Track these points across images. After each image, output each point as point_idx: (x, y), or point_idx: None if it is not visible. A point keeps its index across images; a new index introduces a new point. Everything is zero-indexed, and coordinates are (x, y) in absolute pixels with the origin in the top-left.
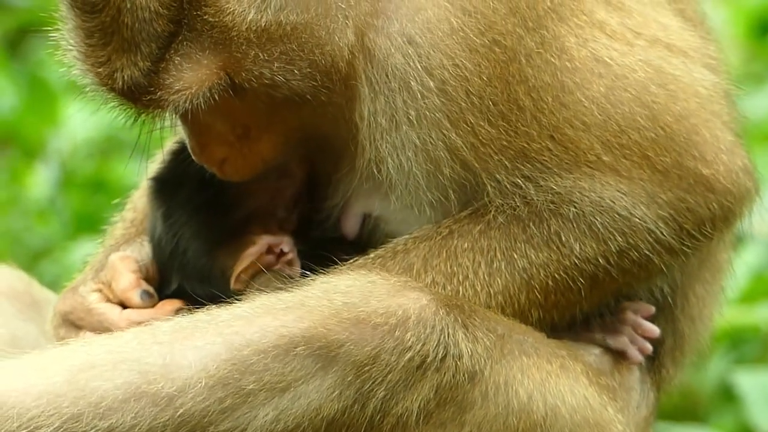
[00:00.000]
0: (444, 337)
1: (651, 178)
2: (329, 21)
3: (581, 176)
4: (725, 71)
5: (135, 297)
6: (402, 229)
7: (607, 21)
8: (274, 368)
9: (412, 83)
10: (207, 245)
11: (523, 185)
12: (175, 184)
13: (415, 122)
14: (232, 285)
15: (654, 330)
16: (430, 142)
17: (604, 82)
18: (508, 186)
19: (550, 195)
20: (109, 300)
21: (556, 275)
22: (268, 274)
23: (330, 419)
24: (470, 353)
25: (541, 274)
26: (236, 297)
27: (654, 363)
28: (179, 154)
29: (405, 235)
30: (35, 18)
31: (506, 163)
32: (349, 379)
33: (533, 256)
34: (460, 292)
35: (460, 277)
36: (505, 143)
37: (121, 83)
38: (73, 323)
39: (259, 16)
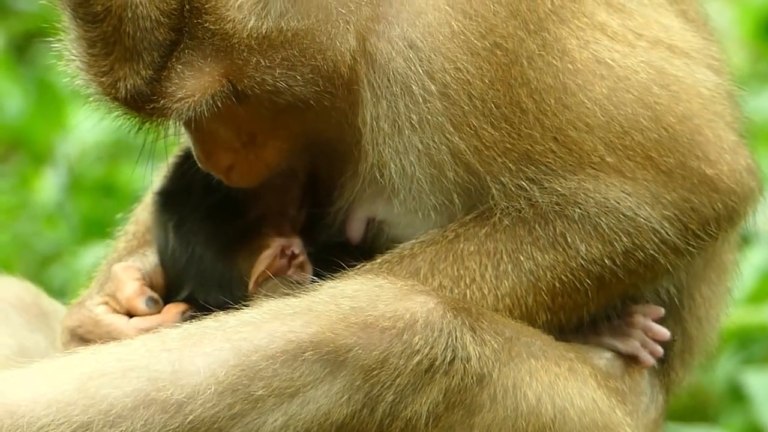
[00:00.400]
0: (452, 340)
1: (655, 178)
2: (330, 26)
3: (585, 177)
4: (728, 72)
5: (140, 304)
6: (407, 233)
7: (609, 23)
8: (283, 374)
9: (413, 87)
10: (223, 250)
11: (527, 187)
12: (183, 194)
13: (417, 126)
14: (251, 288)
15: (664, 333)
16: (433, 146)
17: (606, 84)
18: (512, 188)
19: (555, 197)
20: (115, 311)
21: (563, 277)
22: (276, 279)
23: (339, 424)
24: (478, 356)
25: (548, 276)
26: (244, 302)
27: (663, 365)
28: (182, 165)
29: (411, 240)
30: (42, 23)
31: (510, 165)
32: (357, 383)
33: (539, 258)
34: (468, 296)
35: (467, 281)
36: (508, 146)
37: (124, 92)
38: (82, 337)
39: (260, 23)
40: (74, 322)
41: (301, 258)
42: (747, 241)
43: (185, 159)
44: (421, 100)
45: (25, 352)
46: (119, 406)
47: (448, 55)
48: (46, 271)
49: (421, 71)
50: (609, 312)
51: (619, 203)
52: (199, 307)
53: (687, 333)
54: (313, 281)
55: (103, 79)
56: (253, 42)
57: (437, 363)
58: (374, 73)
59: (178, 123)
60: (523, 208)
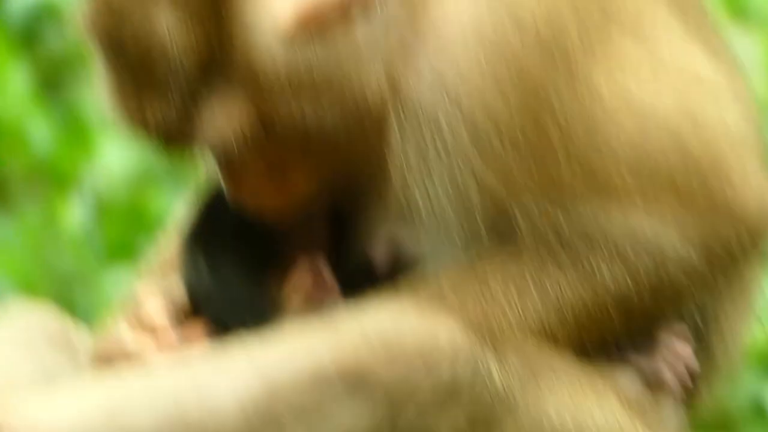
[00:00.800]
0: (475, 361)
1: (679, 203)
2: (360, 64)
3: (609, 202)
4: (752, 101)
5: (165, 325)
6: (430, 257)
7: (634, 52)
8: (307, 396)
9: (441, 119)
10: (254, 273)
11: (552, 213)
12: (212, 223)
13: (443, 156)
14: (286, 311)
15: (688, 353)
16: (459, 175)
17: (631, 112)
18: (537, 215)
19: (579, 221)
20: (140, 334)
21: (587, 301)
22: (300, 302)
23: None
24: (501, 377)
25: (572, 300)
26: (269, 325)
27: (686, 385)
28: (210, 198)
29: (435, 265)
30: (70, 53)
31: (535, 192)
32: (380, 405)
33: (564, 282)
34: (492, 318)
35: (491, 303)
36: (534, 173)
37: (153, 125)
38: (108, 362)
39: (290, 61)
40: (101, 350)
41: (329, 279)
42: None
43: (213, 193)
44: (447, 130)
45: (51, 378)
46: (144, 430)
47: (475, 87)
48: (71, 297)
49: (448, 103)
50: (633, 333)
51: (643, 227)
52: (224, 328)
53: (709, 351)
54: (338, 304)
55: (132, 113)
56: (282, 80)
57: (460, 384)
58: (401, 105)
59: (206, 157)
60: (547, 233)
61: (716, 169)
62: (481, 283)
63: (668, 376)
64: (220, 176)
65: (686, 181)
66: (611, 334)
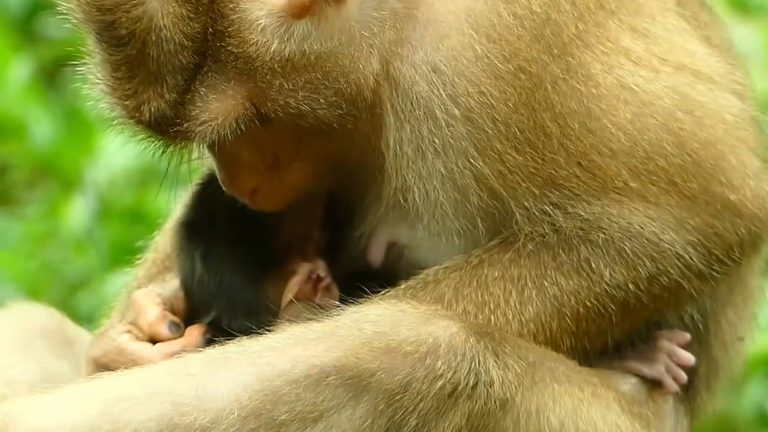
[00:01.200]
0: (475, 364)
1: (679, 203)
2: (354, 49)
3: (609, 202)
4: (752, 97)
5: (163, 329)
6: (429, 257)
7: (633, 48)
8: (306, 398)
9: (437, 112)
10: (252, 277)
11: (551, 212)
12: (209, 222)
13: (441, 151)
14: (282, 314)
15: (689, 358)
16: (457, 171)
17: (630, 109)
18: (536, 213)
19: (579, 222)
20: (138, 338)
21: (587, 302)
22: (300, 304)
23: None
24: (501, 381)
25: (572, 302)
26: (268, 327)
27: (688, 390)
28: (206, 192)
29: (434, 265)
30: (71, 49)
31: (534, 190)
32: (380, 408)
33: (564, 284)
34: (492, 321)
35: (492, 306)
36: (532, 170)
37: (148, 116)
38: (106, 367)
39: (283, 46)
40: (98, 351)
41: (327, 281)
42: None
43: (208, 185)
44: (444, 124)
45: (50, 379)
46: (143, 431)
47: (471, 79)
48: (74, 298)
49: (444, 95)
50: (633, 336)
51: (643, 228)
52: (222, 331)
53: (712, 358)
54: (336, 306)
55: (127, 103)
56: (276, 65)
57: (460, 387)
58: (397, 97)
59: (202, 146)
60: (547, 233)
61: (716, 169)
62: (481, 287)
63: (668, 379)
64: (215, 168)
65: (686, 182)
66: (611, 337)
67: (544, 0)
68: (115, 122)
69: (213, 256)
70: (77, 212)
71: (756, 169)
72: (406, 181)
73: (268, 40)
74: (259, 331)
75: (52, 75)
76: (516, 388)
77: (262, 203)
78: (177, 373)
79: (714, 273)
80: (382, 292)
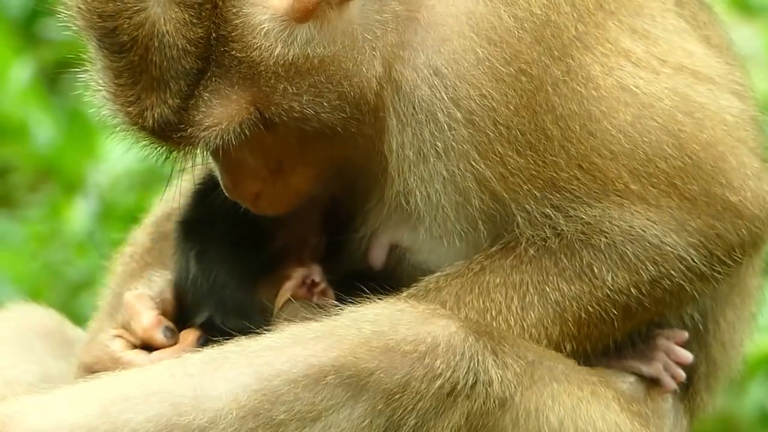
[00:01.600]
0: (474, 363)
1: (679, 205)
2: (356, 53)
3: (610, 205)
4: (752, 97)
5: (158, 335)
6: (430, 259)
7: (633, 49)
8: (305, 398)
9: (439, 115)
10: (246, 280)
11: (552, 215)
12: (206, 222)
13: (442, 154)
14: (275, 318)
15: (687, 356)
16: (459, 174)
17: (630, 111)
18: (537, 216)
19: (580, 225)
20: (131, 343)
21: (589, 307)
22: (297, 304)
23: None
24: (500, 380)
25: (574, 307)
26: (264, 328)
27: (687, 389)
28: (204, 193)
29: (435, 268)
30: (74, 52)
31: (535, 192)
32: (379, 407)
33: (566, 289)
34: (490, 321)
35: (494, 313)
36: (533, 173)
37: (151, 122)
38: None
39: (286, 50)
40: (91, 359)
41: (322, 286)
42: None
43: (207, 186)
44: (446, 127)
45: (49, 379)
46: (142, 431)
47: (473, 82)
48: (76, 300)
49: (446, 98)
50: (632, 336)
51: (644, 231)
52: (216, 331)
53: (711, 357)
54: (335, 307)
55: (130, 109)
56: (279, 69)
57: (459, 386)
58: (400, 100)
59: (205, 151)
60: (548, 237)
61: (716, 171)
62: (483, 293)
63: (666, 377)
64: (217, 172)
65: (687, 184)
66: (612, 338)
67: (544, 2)
68: (118, 129)
69: (208, 256)
70: (79, 214)
71: (756, 169)
72: (408, 184)
73: (271, 44)
74: (256, 330)
75: (54, 77)
76: (515, 387)
77: (265, 208)
78: (175, 373)
79: (716, 274)
80: (382, 293)
